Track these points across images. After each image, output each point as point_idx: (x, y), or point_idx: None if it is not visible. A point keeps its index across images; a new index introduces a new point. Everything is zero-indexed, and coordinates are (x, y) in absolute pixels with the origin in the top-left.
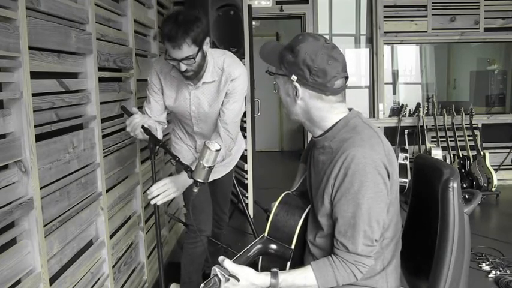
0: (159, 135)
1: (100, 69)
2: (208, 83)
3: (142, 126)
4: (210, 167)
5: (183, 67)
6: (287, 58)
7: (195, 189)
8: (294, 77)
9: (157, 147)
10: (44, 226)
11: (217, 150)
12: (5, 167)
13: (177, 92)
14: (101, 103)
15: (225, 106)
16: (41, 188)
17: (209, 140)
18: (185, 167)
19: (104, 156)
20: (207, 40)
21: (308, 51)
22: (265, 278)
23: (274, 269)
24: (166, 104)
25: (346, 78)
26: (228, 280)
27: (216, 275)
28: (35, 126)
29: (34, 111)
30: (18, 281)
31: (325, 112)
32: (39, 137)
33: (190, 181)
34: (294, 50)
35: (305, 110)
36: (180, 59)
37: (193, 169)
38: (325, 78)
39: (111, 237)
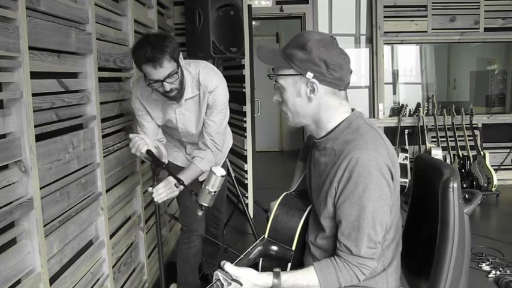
0: (164, 152)
1: (100, 69)
2: (190, 98)
3: (147, 151)
4: (215, 191)
5: (168, 86)
6: (298, 56)
7: (200, 213)
8: (309, 74)
9: (159, 169)
10: (44, 226)
11: (223, 176)
12: (5, 167)
13: (163, 112)
14: (101, 103)
15: (209, 117)
16: (41, 188)
17: (197, 146)
18: (189, 190)
19: (104, 156)
20: (181, 55)
21: (321, 46)
22: (267, 278)
23: (277, 269)
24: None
25: (351, 72)
26: (230, 284)
27: (219, 280)
28: (35, 126)
29: (34, 111)
30: (18, 281)
31: (334, 110)
32: (39, 137)
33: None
34: (306, 46)
35: (316, 110)
36: (163, 78)
37: (198, 193)
38: (341, 72)
39: (111, 237)
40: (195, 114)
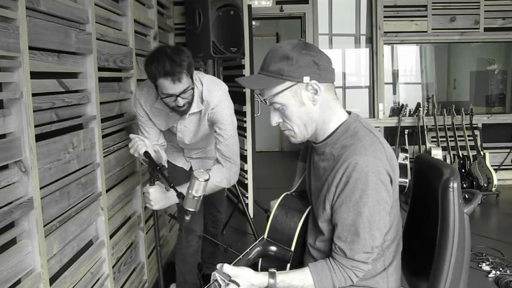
0: (163, 156)
1: (100, 69)
2: (194, 113)
3: (145, 152)
4: (199, 196)
5: (181, 102)
6: (286, 68)
7: (187, 218)
8: (306, 78)
9: (157, 172)
10: (44, 226)
11: (206, 180)
12: (5, 167)
13: (166, 120)
14: (101, 103)
15: (217, 132)
16: (41, 188)
17: (194, 150)
18: (178, 193)
19: (104, 156)
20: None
21: (302, 50)
22: (263, 277)
23: (272, 269)
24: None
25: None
26: (228, 285)
27: (216, 280)
28: (35, 126)
29: (34, 111)
30: (18, 281)
31: (332, 106)
32: (39, 137)
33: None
34: (289, 56)
35: (320, 111)
36: (178, 93)
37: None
38: (329, 65)
39: (111, 237)
40: (195, 128)
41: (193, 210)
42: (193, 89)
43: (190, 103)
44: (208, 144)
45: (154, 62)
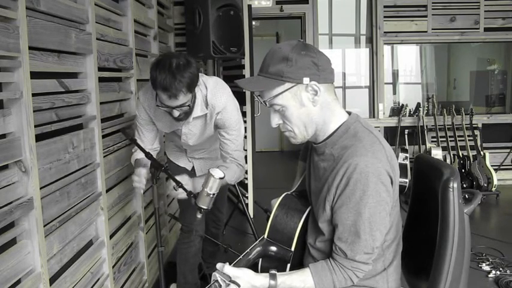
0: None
1: (100, 69)
2: (198, 117)
3: (146, 154)
4: (213, 194)
5: (176, 113)
6: (286, 69)
7: (199, 216)
8: (306, 79)
9: (159, 172)
10: (44, 226)
11: (221, 178)
12: (5, 167)
13: (170, 123)
14: (101, 103)
15: (225, 137)
16: (41, 188)
17: (197, 151)
18: (188, 193)
19: (104, 156)
20: (200, 79)
21: (301, 51)
22: (264, 279)
23: (273, 271)
24: (160, 130)
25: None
26: (228, 285)
27: (217, 281)
28: (35, 126)
29: (34, 111)
30: (18, 281)
31: (332, 107)
32: (39, 137)
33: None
34: (289, 58)
35: (320, 112)
36: (174, 106)
37: (196, 195)
38: (329, 66)
39: (111, 237)
40: (200, 131)
41: (206, 207)
42: (189, 106)
43: (187, 113)
44: (212, 145)
45: (156, 71)
